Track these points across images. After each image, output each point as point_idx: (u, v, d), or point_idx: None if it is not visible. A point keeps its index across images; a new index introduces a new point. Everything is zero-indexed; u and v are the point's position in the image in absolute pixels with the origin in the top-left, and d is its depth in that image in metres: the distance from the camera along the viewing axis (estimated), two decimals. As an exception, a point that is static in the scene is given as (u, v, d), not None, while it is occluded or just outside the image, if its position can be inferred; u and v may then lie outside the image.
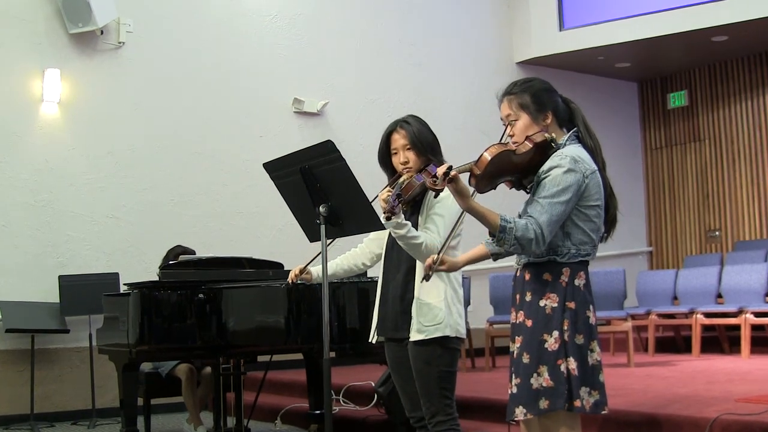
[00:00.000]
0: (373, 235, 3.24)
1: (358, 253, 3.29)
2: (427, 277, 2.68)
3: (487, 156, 2.44)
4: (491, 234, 2.45)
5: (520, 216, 2.53)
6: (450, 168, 2.38)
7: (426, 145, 3.01)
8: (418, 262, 2.97)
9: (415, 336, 2.95)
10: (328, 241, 3.00)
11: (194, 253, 5.68)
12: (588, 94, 9.41)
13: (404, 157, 3.02)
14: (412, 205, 3.03)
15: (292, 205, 3.15)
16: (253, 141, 7.61)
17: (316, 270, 3.22)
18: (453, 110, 8.80)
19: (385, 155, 3.10)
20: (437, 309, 2.92)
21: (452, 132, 8.39)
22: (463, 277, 3.09)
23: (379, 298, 3.13)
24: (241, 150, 7.54)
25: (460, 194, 2.41)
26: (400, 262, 3.04)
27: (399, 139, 3.04)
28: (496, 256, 2.74)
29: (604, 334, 7.42)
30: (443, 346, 2.94)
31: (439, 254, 2.66)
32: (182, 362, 5.41)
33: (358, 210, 2.90)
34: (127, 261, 6.85)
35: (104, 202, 6.92)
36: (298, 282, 3.24)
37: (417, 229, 2.95)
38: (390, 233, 3.06)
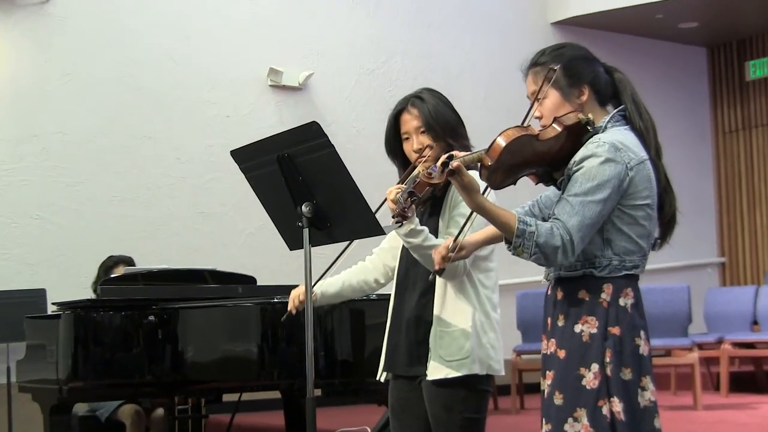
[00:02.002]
0: (386, 243, 3.22)
1: (369, 268, 3.24)
2: (440, 272, 2.62)
3: (501, 142, 2.42)
4: (507, 240, 2.45)
5: (545, 219, 2.54)
6: (450, 157, 2.38)
7: (445, 126, 2.99)
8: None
9: (433, 373, 2.91)
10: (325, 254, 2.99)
11: (133, 264, 5.69)
12: (642, 63, 9.43)
13: (418, 142, 3.00)
14: (431, 204, 3.02)
15: (268, 204, 3.17)
16: (218, 122, 7.64)
17: (321, 289, 3.16)
18: (472, 83, 8.82)
19: (393, 142, 3.09)
20: (462, 339, 2.89)
21: (471, 110, 8.36)
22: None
23: (390, 323, 3.11)
24: (202, 134, 7.56)
25: (465, 189, 2.42)
26: (416, 278, 3.02)
27: (410, 121, 3.03)
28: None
29: (662, 368, 7.44)
30: (469, 387, 2.92)
31: (456, 239, 2.59)
32: (127, 403, 5.43)
33: (350, 210, 2.91)
34: (57, 274, 6.87)
35: (27, 199, 6.94)
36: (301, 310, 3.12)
37: (437, 236, 2.92)
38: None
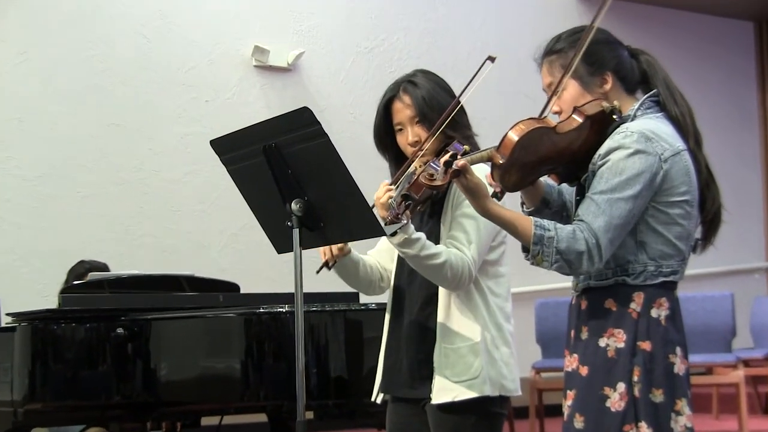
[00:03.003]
0: (382, 244, 3.23)
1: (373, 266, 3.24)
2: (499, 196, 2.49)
3: (513, 136, 2.41)
4: (524, 249, 2.46)
5: (566, 206, 2.54)
6: (454, 156, 2.38)
7: (442, 115, 3.00)
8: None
9: (439, 396, 2.91)
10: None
11: (108, 270, 5.71)
12: (680, 40, 9.44)
13: (413, 134, 3.01)
14: (430, 204, 3.01)
15: (253, 201, 3.18)
16: (196, 108, 7.64)
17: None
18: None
19: (384, 134, 3.10)
20: (470, 356, 2.90)
21: (482, 98, 8.39)
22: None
23: (387, 338, 3.12)
24: (178, 121, 7.57)
25: (471, 193, 2.43)
26: (416, 287, 3.03)
27: (403, 110, 3.04)
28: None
29: (702, 388, 7.45)
30: (480, 411, 2.93)
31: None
32: (92, 426, 5.44)
33: (346, 208, 2.92)
34: (12, 281, 6.87)
35: (-21, 195, 6.95)
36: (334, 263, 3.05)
37: (438, 241, 2.92)
38: None
